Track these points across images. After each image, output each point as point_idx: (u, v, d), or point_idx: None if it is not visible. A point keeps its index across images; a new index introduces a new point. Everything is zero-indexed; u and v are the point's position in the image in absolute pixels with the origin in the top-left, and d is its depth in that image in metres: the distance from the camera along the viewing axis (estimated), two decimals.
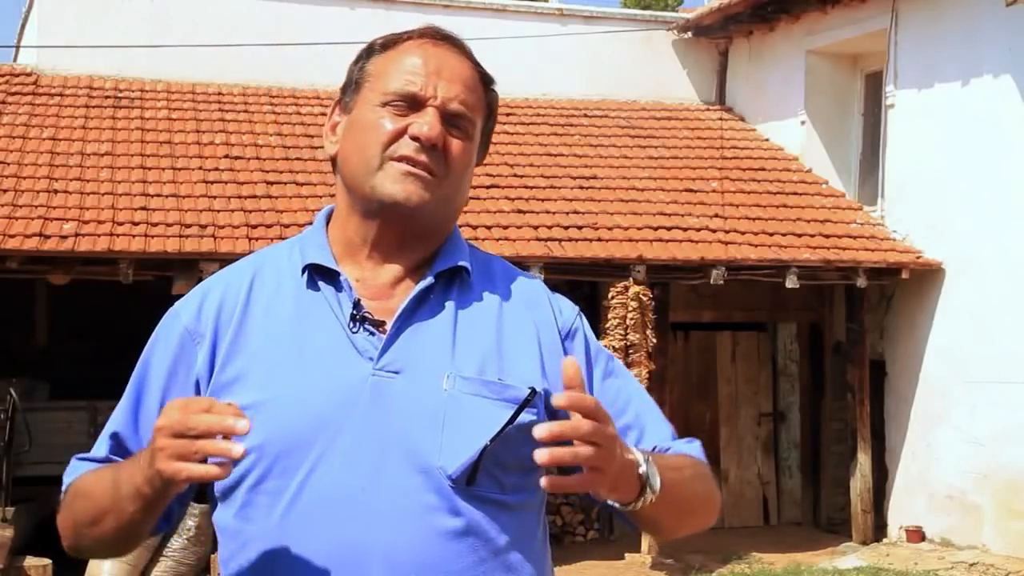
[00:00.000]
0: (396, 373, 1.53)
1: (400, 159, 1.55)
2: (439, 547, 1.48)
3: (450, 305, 1.60)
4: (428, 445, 1.50)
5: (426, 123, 1.55)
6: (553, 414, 1.55)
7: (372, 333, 1.55)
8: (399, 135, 1.56)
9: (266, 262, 1.65)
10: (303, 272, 1.60)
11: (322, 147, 1.73)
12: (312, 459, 1.49)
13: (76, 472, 1.64)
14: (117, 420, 1.65)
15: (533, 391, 1.53)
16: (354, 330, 1.55)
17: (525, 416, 1.52)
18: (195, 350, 1.59)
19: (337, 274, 1.58)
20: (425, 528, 1.48)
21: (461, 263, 1.61)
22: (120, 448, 1.63)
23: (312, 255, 1.60)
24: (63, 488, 1.65)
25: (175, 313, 1.64)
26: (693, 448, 1.66)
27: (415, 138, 1.55)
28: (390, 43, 1.63)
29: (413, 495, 1.49)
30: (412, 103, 1.57)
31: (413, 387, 1.52)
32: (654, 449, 1.62)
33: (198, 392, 1.59)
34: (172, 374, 1.61)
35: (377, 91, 1.59)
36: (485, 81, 1.65)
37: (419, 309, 1.58)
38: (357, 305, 1.56)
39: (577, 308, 1.70)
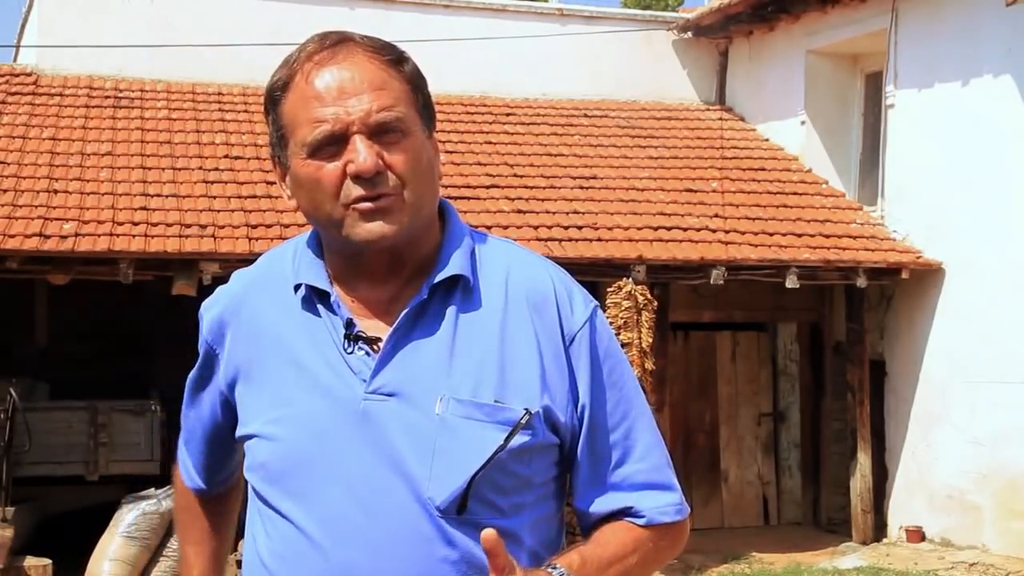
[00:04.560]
0: (390, 396, 1.50)
1: (356, 201, 1.48)
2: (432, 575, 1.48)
3: (450, 316, 1.54)
4: (419, 473, 1.48)
5: (359, 155, 1.47)
6: (555, 428, 1.55)
7: (368, 353, 1.52)
8: (342, 180, 1.48)
9: (274, 268, 1.64)
10: (297, 289, 1.58)
11: None
12: (311, 483, 1.51)
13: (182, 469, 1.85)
14: (184, 410, 1.78)
15: (528, 412, 1.50)
16: (349, 350, 1.53)
17: (519, 439, 1.49)
18: (218, 361, 1.66)
19: (329, 294, 1.55)
20: (419, 557, 1.48)
21: (458, 273, 1.54)
22: (187, 437, 1.80)
23: (304, 274, 1.57)
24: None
25: (200, 321, 1.69)
26: (662, 505, 1.60)
27: (356, 177, 1.47)
28: (286, 84, 1.53)
29: (407, 523, 1.48)
30: (336, 141, 1.48)
31: (406, 411, 1.49)
32: (625, 511, 1.58)
33: (223, 397, 1.67)
34: (206, 379, 1.71)
35: (298, 144, 1.50)
36: (394, 62, 1.53)
37: (416, 324, 1.53)
38: (350, 324, 1.53)
39: (592, 305, 1.61)
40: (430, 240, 1.57)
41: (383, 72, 1.51)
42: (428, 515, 1.48)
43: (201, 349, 1.68)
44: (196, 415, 1.75)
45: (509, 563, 1.38)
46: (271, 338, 1.58)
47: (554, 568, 1.46)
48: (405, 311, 1.52)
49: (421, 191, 1.52)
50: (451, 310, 1.54)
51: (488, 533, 1.37)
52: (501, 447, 1.48)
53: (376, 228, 1.48)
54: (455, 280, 1.54)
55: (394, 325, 1.52)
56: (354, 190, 1.48)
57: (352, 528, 1.48)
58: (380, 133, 1.49)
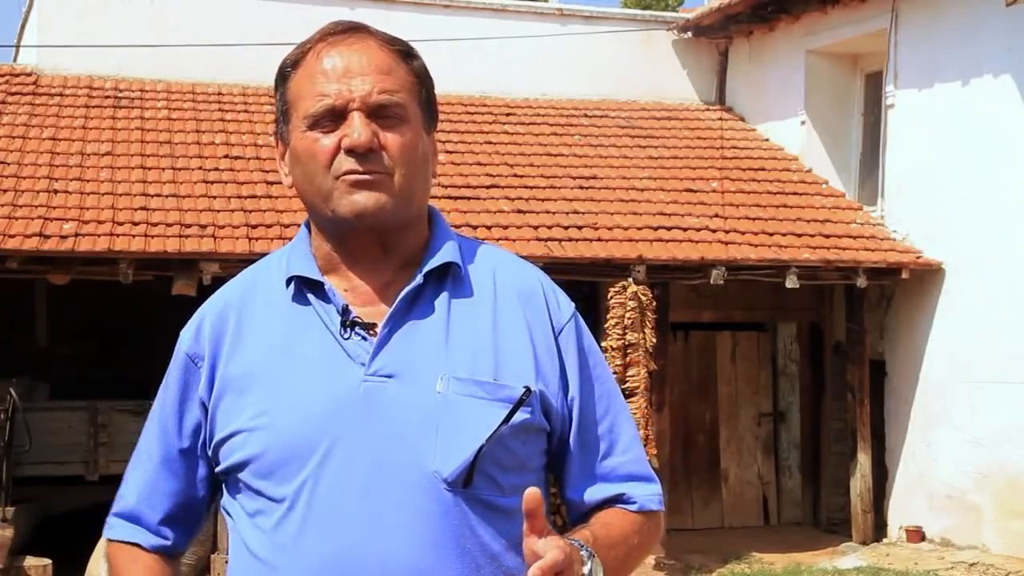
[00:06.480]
0: (389, 377, 1.52)
1: (345, 174, 1.52)
2: (435, 554, 1.49)
3: (443, 302, 1.57)
4: (423, 450, 1.50)
5: (354, 131, 1.52)
6: (547, 414, 1.57)
7: (365, 338, 1.54)
8: (336, 153, 1.53)
9: (259, 275, 1.66)
10: (288, 284, 1.59)
11: None
12: (310, 468, 1.51)
13: (114, 534, 1.70)
14: (140, 457, 1.71)
15: (528, 390, 1.53)
16: (346, 336, 1.54)
17: (520, 415, 1.52)
18: (198, 373, 1.62)
19: (322, 284, 1.57)
20: (421, 535, 1.49)
21: (451, 260, 1.58)
22: (148, 489, 1.70)
23: (296, 267, 1.59)
24: (105, 538, 1.71)
25: (179, 342, 1.66)
26: (649, 494, 1.65)
27: (349, 151, 1.52)
28: (296, 61, 1.59)
29: (410, 501, 1.49)
30: (335, 116, 1.53)
31: (406, 391, 1.52)
32: (617, 498, 1.62)
33: (205, 412, 1.62)
34: (183, 400, 1.64)
35: (300, 116, 1.56)
36: (403, 54, 1.60)
37: (411, 309, 1.56)
38: (345, 311, 1.55)
39: (574, 305, 1.67)
40: (419, 234, 1.61)
41: (391, 60, 1.58)
42: (431, 492, 1.49)
43: (175, 372, 1.64)
44: (164, 450, 1.67)
45: (546, 526, 1.39)
46: (258, 339, 1.59)
47: (574, 540, 1.48)
48: (402, 294, 1.55)
49: (412, 177, 1.56)
50: (444, 296, 1.58)
51: (532, 491, 1.37)
52: (505, 420, 1.50)
53: (361, 199, 1.52)
54: (446, 269, 1.58)
55: (391, 309, 1.55)
56: (345, 163, 1.52)
57: (355, 505, 1.49)
58: (380, 115, 1.54)
